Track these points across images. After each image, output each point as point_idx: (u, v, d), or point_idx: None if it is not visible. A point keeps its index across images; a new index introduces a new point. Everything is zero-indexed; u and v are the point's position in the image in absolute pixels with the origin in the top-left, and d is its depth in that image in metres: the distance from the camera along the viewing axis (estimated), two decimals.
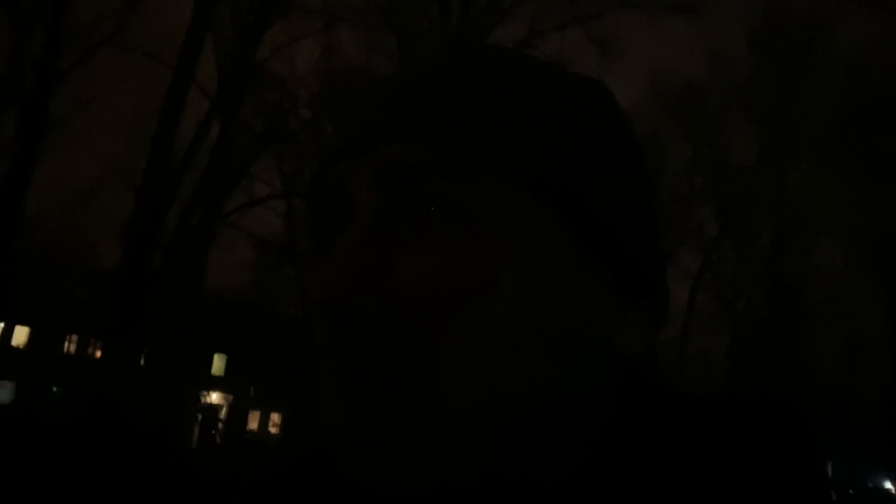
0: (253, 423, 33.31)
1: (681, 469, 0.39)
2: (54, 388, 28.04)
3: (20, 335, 29.13)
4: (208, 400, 30.63)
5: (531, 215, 0.39)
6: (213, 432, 29.73)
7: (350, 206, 0.40)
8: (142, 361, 19.86)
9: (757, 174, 25.08)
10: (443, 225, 0.38)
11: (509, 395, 0.36)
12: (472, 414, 0.35)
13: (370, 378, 0.36)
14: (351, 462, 0.37)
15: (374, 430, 0.36)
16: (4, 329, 27.40)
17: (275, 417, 32.97)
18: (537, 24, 20.44)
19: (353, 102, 0.44)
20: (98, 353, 23.20)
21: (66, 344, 30.03)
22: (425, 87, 0.41)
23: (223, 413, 31.48)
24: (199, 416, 28.69)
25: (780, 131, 24.29)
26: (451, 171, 0.38)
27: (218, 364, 31.85)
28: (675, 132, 25.65)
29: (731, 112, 25.70)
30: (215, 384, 30.76)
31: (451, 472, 0.35)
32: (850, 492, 22.09)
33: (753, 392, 22.08)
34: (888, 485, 24.54)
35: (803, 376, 23.12)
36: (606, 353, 0.41)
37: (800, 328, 23.63)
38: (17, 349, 28.65)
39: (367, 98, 0.43)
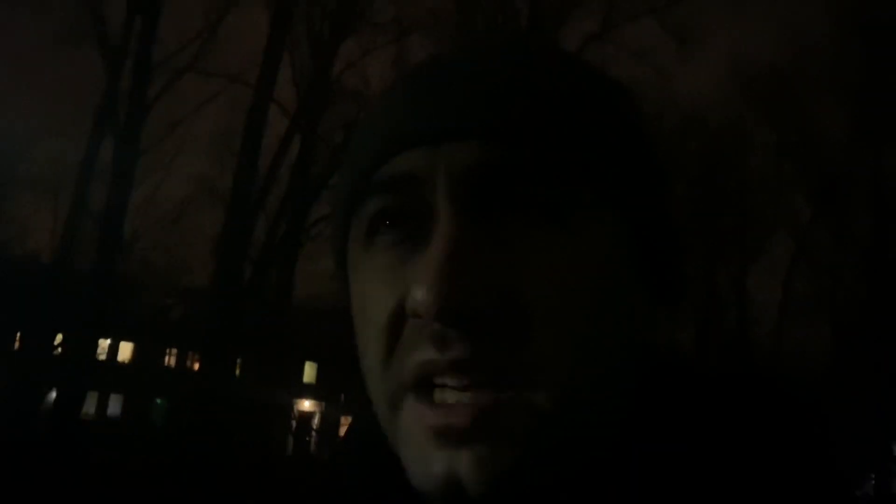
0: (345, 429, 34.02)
1: (694, 454, 0.41)
2: (157, 400, 29.47)
3: (125, 351, 30.76)
4: (301, 408, 31.48)
5: (606, 218, 0.41)
6: (308, 439, 30.51)
7: (425, 200, 0.40)
8: (237, 372, 20.65)
9: (850, 156, 23.85)
10: (538, 228, 0.39)
11: (589, 382, 0.38)
12: (564, 400, 0.37)
13: (484, 369, 0.37)
14: (437, 464, 0.37)
15: (481, 430, 0.37)
16: (111, 345, 29.01)
17: None
18: (611, 16, 20.10)
19: (416, 83, 0.43)
20: (196, 366, 24.26)
21: (167, 357, 31.51)
22: (505, 85, 0.40)
23: (316, 420, 32.28)
24: (294, 424, 29.52)
25: (873, 109, 23.02)
26: (542, 174, 0.39)
27: (309, 372, 32.70)
28: (760, 118, 24.71)
29: (820, 93, 24.56)
30: (307, 392, 31.59)
31: (539, 459, 0.37)
32: None
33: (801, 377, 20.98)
34: None
35: None
36: (640, 343, 0.43)
37: None
38: (122, 364, 30.26)
39: (436, 84, 0.42)
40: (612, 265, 0.40)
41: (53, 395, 17.77)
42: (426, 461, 0.38)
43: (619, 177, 0.41)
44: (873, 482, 23.74)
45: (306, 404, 31.99)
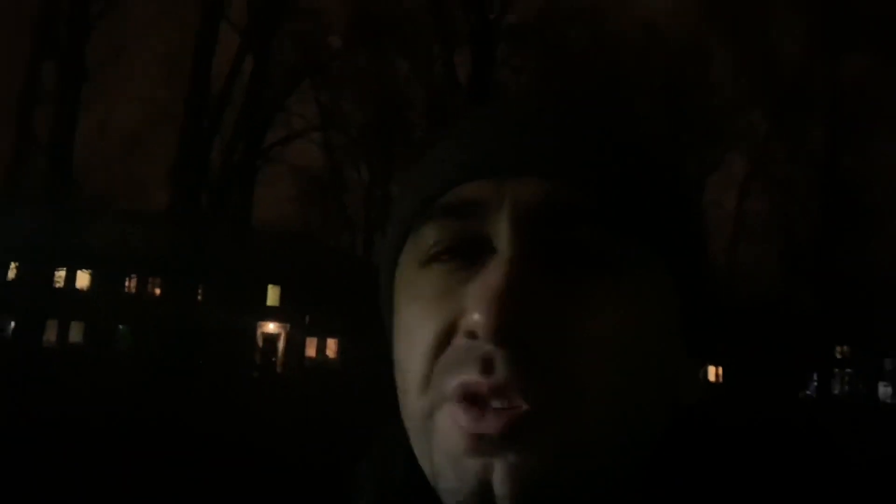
0: (311, 350, 34.42)
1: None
2: (121, 327, 29.34)
3: (83, 279, 30.35)
4: (266, 330, 31.68)
5: (656, 273, 0.42)
6: (274, 360, 30.85)
7: (486, 229, 0.42)
8: (199, 297, 20.57)
9: (807, 68, 24.00)
10: (591, 273, 0.40)
11: (620, 424, 0.40)
12: (595, 432, 0.39)
13: (524, 395, 0.38)
14: (470, 472, 0.39)
15: (514, 439, 0.38)
16: (68, 273, 28.54)
17: (331, 343, 33.99)
18: None
19: (491, 119, 0.45)
20: (157, 292, 24.08)
21: (127, 284, 31.19)
22: (576, 129, 0.43)
23: (281, 341, 32.58)
24: (259, 346, 29.77)
25: (832, 21, 23.03)
26: (601, 220, 0.40)
27: (272, 295, 32.75)
28: (719, 33, 24.60)
29: (778, 6, 24.44)
30: (271, 314, 31.72)
31: (566, 478, 0.39)
32: None
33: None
34: None
35: (861, 284, 22.63)
36: (674, 394, 0.44)
37: (858, 232, 23.00)
38: (81, 292, 29.89)
39: (509, 121, 0.44)
40: (657, 319, 0.42)
41: (12, 324, 17.59)
42: (460, 468, 0.39)
43: (671, 234, 0.43)
44: (815, 383, 25.07)
45: (270, 326, 32.18)
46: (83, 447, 6.92)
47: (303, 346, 33.79)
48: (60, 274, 25.76)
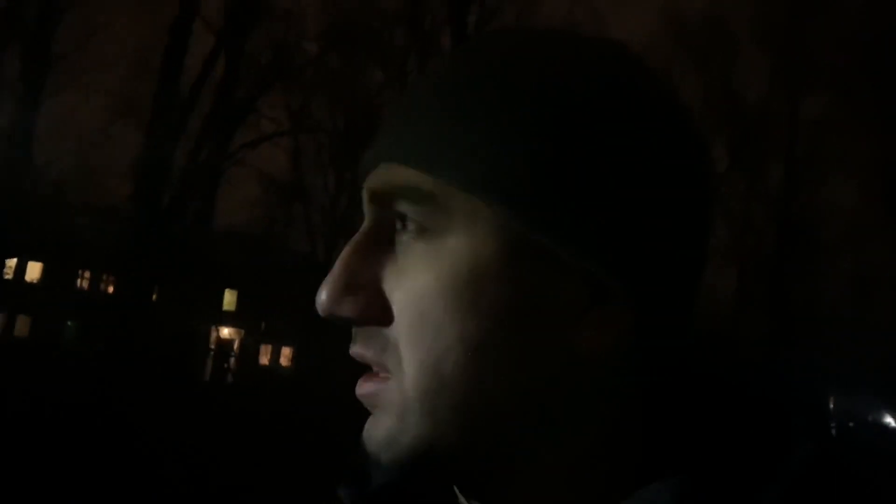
0: (265, 357, 33.93)
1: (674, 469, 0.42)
2: (69, 323, 28.57)
3: (33, 271, 29.52)
4: (221, 334, 31.16)
5: (489, 228, 0.42)
6: (226, 366, 30.36)
7: None
8: (154, 297, 20.17)
9: (768, 106, 24.67)
10: (413, 240, 0.44)
11: (462, 388, 0.42)
12: (430, 403, 0.42)
13: (368, 361, 0.45)
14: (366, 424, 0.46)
15: (373, 405, 0.45)
16: (18, 264, 27.74)
17: (286, 351, 33.57)
18: None
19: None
20: (111, 289, 23.53)
21: (80, 280, 30.43)
22: (403, 111, 0.46)
23: (235, 347, 32.07)
24: (212, 351, 29.25)
25: (793, 62, 23.76)
26: (413, 194, 0.43)
27: (229, 299, 32.26)
28: (687, 66, 25.16)
29: (744, 43, 25.15)
30: (227, 319, 31.24)
31: (414, 446, 0.43)
32: (850, 425, 22.52)
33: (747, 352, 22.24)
34: (889, 419, 25.01)
35: (811, 313, 23.21)
36: (574, 351, 0.42)
37: (809, 265, 23.62)
38: (31, 284, 29.07)
39: (387, 115, 0.49)
40: (484, 271, 0.41)
41: None
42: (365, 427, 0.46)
43: (503, 187, 0.41)
44: None
45: (225, 331, 31.68)
46: (18, 445, 6.70)
47: (257, 353, 33.31)
48: (11, 264, 25.03)
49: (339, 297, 0.44)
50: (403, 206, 0.44)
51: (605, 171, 0.42)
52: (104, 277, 28.32)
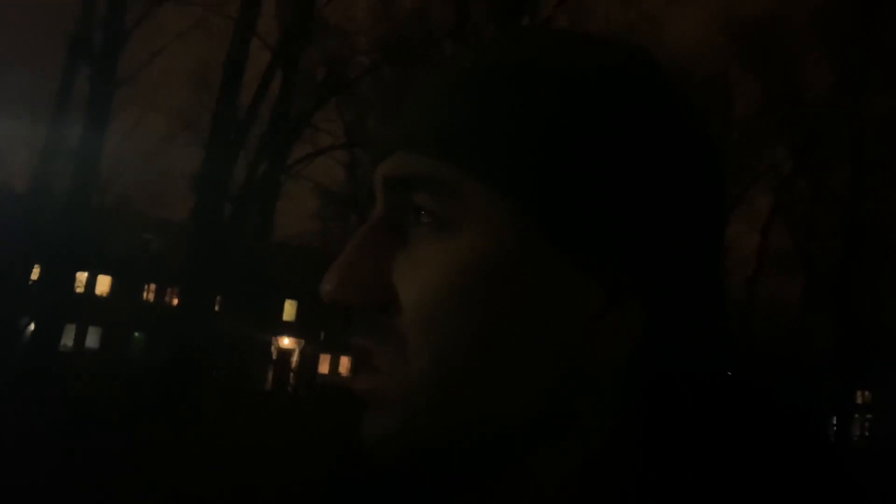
0: (324, 367, 34.41)
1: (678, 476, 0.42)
2: (136, 334, 29.53)
3: (103, 284, 30.64)
4: (281, 345, 31.73)
5: (502, 221, 0.41)
6: (287, 376, 30.87)
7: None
8: (216, 308, 20.67)
9: (833, 107, 23.86)
10: (426, 230, 0.42)
11: (469, 384, 0.41)
12: (437, 399, 0.41)
13: (370, 352, 0.43)
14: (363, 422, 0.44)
15: (374, 400, 0.43)
16: (89, 278, 28.83)
17: (345, 361, 33.97)
18: None
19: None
20: (175, 301, 24.24)
21: (146, 292, 31.45)
22: (417, 101, 0.45)
23: (295, 357, 32.60)
24: (273, 361, 29.81)
25: (859, 59, 22.92)
26: (428, 183, 0.42)
27: (289, 310, 32.85)
28: (745, 68, 24.58)
29: (806, 44, 24.41)
30: (287, 329, 31.80)
31: (413, 443, 0.42)
32: None
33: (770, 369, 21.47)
34: None
35: (880, 323, 22.28)
36: (585, 352, 0.42)
37: (879, 272, 22.68)
38: (100, 297, 30.17)
39: (399, 107, 0.47)
40: (497, 265, 0.41)
41: (31, 327, 17.74)
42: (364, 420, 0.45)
43: (519, 182, 0.41)
44: (835, 427, 24.62)
45: (285, 341, 32.24)
46: (90, 454, 6.94)
47: (316, 363, 33.79)
48: (81, 279, 26.02)
49: (345, 284, 0.43)
50: (419, 197, 0.43)
51: (624, 172, 0.41)
52: (168, 290, 29.18)
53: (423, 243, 0.42)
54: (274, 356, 30.49)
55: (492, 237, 0.41)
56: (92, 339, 30.23)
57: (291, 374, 31.21)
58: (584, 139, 0.41)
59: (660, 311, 0.42)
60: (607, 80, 0.43)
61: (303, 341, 32.67)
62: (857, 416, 28.35)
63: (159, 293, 30.94)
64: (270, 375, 28.91)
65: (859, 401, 28.23)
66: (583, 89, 0.42)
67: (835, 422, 24.53)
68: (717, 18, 42.90)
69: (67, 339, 26.08)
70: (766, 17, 24.30)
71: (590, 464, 0.43)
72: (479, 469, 0.43)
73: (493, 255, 0.41)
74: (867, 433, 29.22)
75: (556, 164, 0.41)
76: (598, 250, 0.41)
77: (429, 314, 0.41)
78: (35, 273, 17.90)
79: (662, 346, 0.43)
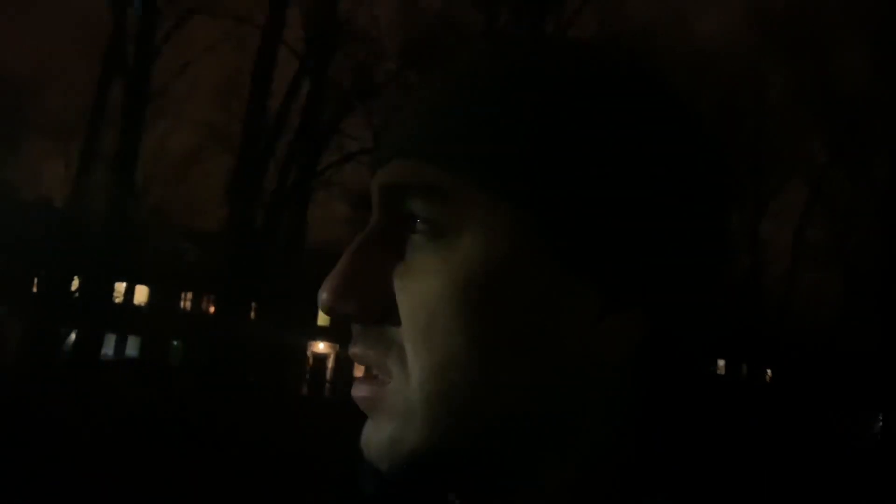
0: (359, 371, 34.55)
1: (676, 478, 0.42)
2: (174, 342, 30.01)
3: (141, 294, 31.21)
4: (315, 350, 31.99)
5: (503, 228, 0.41)
6: (322, 380, 31.10)
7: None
8: (252, 314, 20.92)
9: (870, 96, 23.31)
10: (423, 239, 0.42)
11: (472, 391, 0.40)
12: (436, 407, 0.40)
13: (369, 362, 0.43)
14: (363, 430, 0.44)
15: (373, 409, 0.43)
16: (127, 288, 29.39)
17: None
18: None
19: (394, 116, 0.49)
20: (211, 308, 24.59)
21: (183, 300, 31.95)
22: (414, 108, 0.44)
23: (330, 362, 32.83)
24: (308, 365, 30.05)
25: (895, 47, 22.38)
26: (427, 191, 0.42)
27: (323, 315, 33.06)
28: (777, 59, 24.16)
29: (840, 32, 23.89)
30: (322, 334, 32.05)
31: (417, 451, 0.41)
32: None
33: (861, 339, 20.97)
34: None
35: None
36: (588, 357, 0.42)
37: None
38: (139, 307, 30.73)
39: (397, 112, 0.47)
40: (499, 273, 0.40)
41: (73, 336, 18.13)
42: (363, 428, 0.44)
43: (513, 184, 0.40)
44: (881, 422, 24.03)
45: (321, 346, 32.49)
46: (134, 458, 7.06)
47: (351, 367, 33.98)
48: (120, 288, 26.53)
49: (342, 293, 0.42)
50: (414, 204, 0.42)
51: (623, 177, 0.41)
52: (205, 298, 29.59)
53: (419, 251, 0.42)
54: (309, 361, 30.73)
55: (491, 243, 0.41)
56: (132, 347, 30.77)
57: (327, 379, 31.43)
58: (584, 145, 0.41)
59: (659, 314, 0.42)
60: (606, 86, 0.43)
61: (338, 346, 32.91)
62: None
63: (196, 301, 31.40)
64: (306, 380, 29.15)
65: None
66: (582, 95, 0.42)
67: (881, 417, 23.97)
68: (746, 10, 42.21)
69: (108, 348, 26.58)
70: (797, 6, 23.85)
71: (591, 467, 0.43)
72: (481, 475, 0.43)
73: (493, 262, 0.40)
74: None
75: (556, 169, 0.40)
76: (598, 254, 0.41)
77: (427, 323, 0.40)
78: (75, 284, 18.29)
79: (662, 349, 0.43)
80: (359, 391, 0.43)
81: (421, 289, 0.41)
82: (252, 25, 18.35)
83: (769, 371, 28.22)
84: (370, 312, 0.42)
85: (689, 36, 22.58)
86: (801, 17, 23.58)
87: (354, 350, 0.44)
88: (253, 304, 20.03)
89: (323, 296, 0.43)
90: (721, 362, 28.75)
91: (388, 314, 0.42)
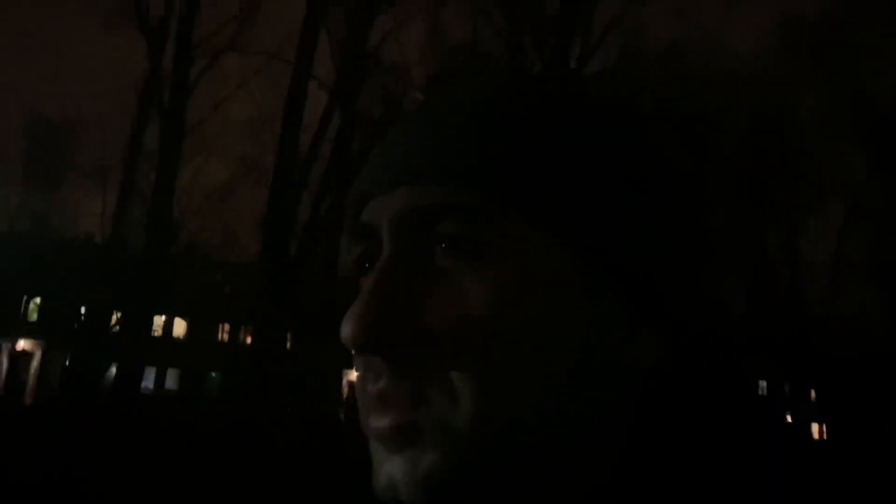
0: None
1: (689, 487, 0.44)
2: (213, 374, 30.30)
3: (179, 327, 31.64)
4: (351, 378, 32.05)
5: (537, 248, 0.41)
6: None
7: (379, 244, 0.44)
8: (288, 345, 21.04)
9: None
10: (457, 262, 0.41)
11: (520, 412, 0.40)
12: (487, 430, 0.39)
13: (404, 396, 0.40)
14: (382, 469, 0.41)
15: (406, 439, 0.40)
16: (166, 322, 29.84)
17: None
18: None
19: (383, 142, 0.48)
20: (249, 340, 24.82)
21: (220, 332, 32.30)
22: (437, 129, 0.44)
23: None
24: (345, 393, 30.08)
25: None
26: (458, 212, 0.41)
27: None
28: (810, 73, 23.85)
29: (874, 41, 23.52)
30: None
31: (461, 479, 0.40)
32: None
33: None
34: None
35: None
36: (619, 369, 0.43)
37: None
38: (177, 340, 31.15)
39: (393, 137, 0.46)
40: (552, 297, 0.41)
41: (113, 370, 18.42)
42: (376, 468, 0.42)
43: (561, 206, 0.42)
44: None
45: (355, 375, 32.53)
46: (174, 490, 7.12)
47: None
48: (159, 321, 26.93)
49: (373, 329, 0.40)
50: (449, 227, 0.41)
51: (650, 201, 0.44)
52: (242, 329, 29.87)
53: (455, 274, 0.41)
54: (345, 390, 30.78)
55: (530, 263, 0.41)
56: (171, 380, 31.14)
57: None
58: (610, 172, 0.43)
59: (677, 329, 0.44)
60: (619, 118, 0.45)
61: None
62: None
63: (233, 333, 31.71)
64: (343, 408, 29.16)
65: None
66: (603, 127, 0.44)
67: None
68: (777, 26, 41.82)
69: (148, 381, 26.94)
70: (828, 19, 23.56)
71: (616, 476, 0.44)
72: (515, 492, 0.42)
73: (533, 281, 0.41)
74: None
75: (588, 193, 0.42)
76: (628, 272, 0.43)
77: (474, 345, 0.39)
78: (115, 318, 18.63)
79: (681, 361, 0.44)
80: (387, 421, 0.41)
81: (459, 313, 0.40)
82: (282, 61, 18.75)
83: (813, 391, 27.42)
84: (407, 343, 0.40)
85: (718, 54, 22.42)
86: (833, 31, 23.29)
87: (380, 387, 0.41)
88: (288, 334, 20.17)
89: (348, 331, 0.40)
90: (763, 383, 28.09)
91: (425, 343, 0.40)
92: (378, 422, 0.41)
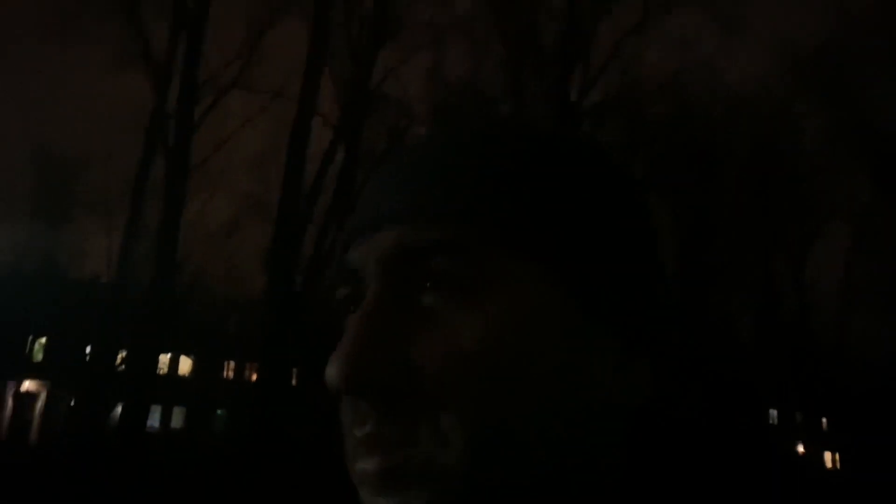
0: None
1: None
2: (219, 411, 30.08)
3: (185, 365, 31.53)
4: None
5: (529, 284, 0.41)
6: None
7: (363, 287, 0.44)
8: (293, 380, 20.92)
9: None
10: (446, 300, 0.41)
11: (512, 451, 0.39)
12: (479, 470, 0.39)
13: (391, 438, 0.40)
14: None
15: (395, 482, 0.39)
16: (171, 359, 29.74)
17: None
18: (652, 5, 19.75)
19: (367, 185, 0.48)
20: (254, 377, 24.68)
21: (226, 370, 32.16)
22: (420, 171, 0.44)
23: None
24: None
25: None
26: (449, 249, 0.41)
27: None
28: (811, 100, 23.98)
29: (873, 67, 23.66)
30: None
31: None
32: None
33: None
34: None
35: None
36: (610, 406, 0.43)
37: None
38: (183, 377, 31.02)
39: (377, 181, 0.47)
40: (543, 334, 0.41)
41: (119, 409, 18.29)
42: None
43: (552, 246, 0.42)
44: None
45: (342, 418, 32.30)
46: None
47: None
48: (165, 359, 26.84)
49: (361, 370, 0.39)
50: (438, 264, 0.41)
51: (625, 236, 0.45)
52: (247, 366, 29.74)
53: (444, 312, 0.41)
54: None
55: (520, 299, 0.41)
56: (177, 418, 30.93)
57: None
58: (594, 210, 0.44)
59: (662, 363, 0.45)
60: (595, 162, 0.47)
61: None
62: None
63: (238, 370, 31.57)
64: None
65: None
66: (583, 167, 0.46)
67: None
68: (775, 53, 42.21)
69: (153, 420, 26.75)
70: (827, 43, 23.73)
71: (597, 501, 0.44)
72: None
73: (524, 316, 0.40)
74: None
75: (575, 228, 0.43)
76: (617, 307, 0.43)
77: (465, 383, 0.39)
78: (120, 357, 18.57)
79: (666, 393, 0.45)
80: (374, 464, 0.40)
81: (451, 351, 0.39)
82: (287, 98, 18.94)
83: (824, 419, 27.06)
84: (395, 384, 0.39)
85: (720, 82, 22.58)
86: (831, 56, 23.45)
87: (367, 430, 0.40)
88: (294, 370, 20.06)
89: (334, 373, 0.40)
90: (773, 412, 27.73)
91: (415, 382, 0.40)
92: (365, 464, 0.40)
